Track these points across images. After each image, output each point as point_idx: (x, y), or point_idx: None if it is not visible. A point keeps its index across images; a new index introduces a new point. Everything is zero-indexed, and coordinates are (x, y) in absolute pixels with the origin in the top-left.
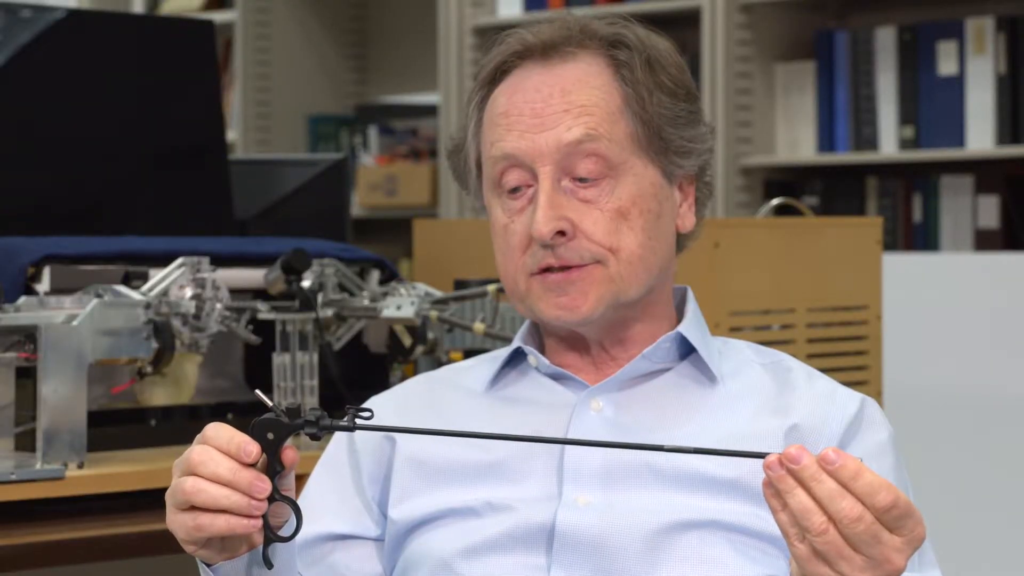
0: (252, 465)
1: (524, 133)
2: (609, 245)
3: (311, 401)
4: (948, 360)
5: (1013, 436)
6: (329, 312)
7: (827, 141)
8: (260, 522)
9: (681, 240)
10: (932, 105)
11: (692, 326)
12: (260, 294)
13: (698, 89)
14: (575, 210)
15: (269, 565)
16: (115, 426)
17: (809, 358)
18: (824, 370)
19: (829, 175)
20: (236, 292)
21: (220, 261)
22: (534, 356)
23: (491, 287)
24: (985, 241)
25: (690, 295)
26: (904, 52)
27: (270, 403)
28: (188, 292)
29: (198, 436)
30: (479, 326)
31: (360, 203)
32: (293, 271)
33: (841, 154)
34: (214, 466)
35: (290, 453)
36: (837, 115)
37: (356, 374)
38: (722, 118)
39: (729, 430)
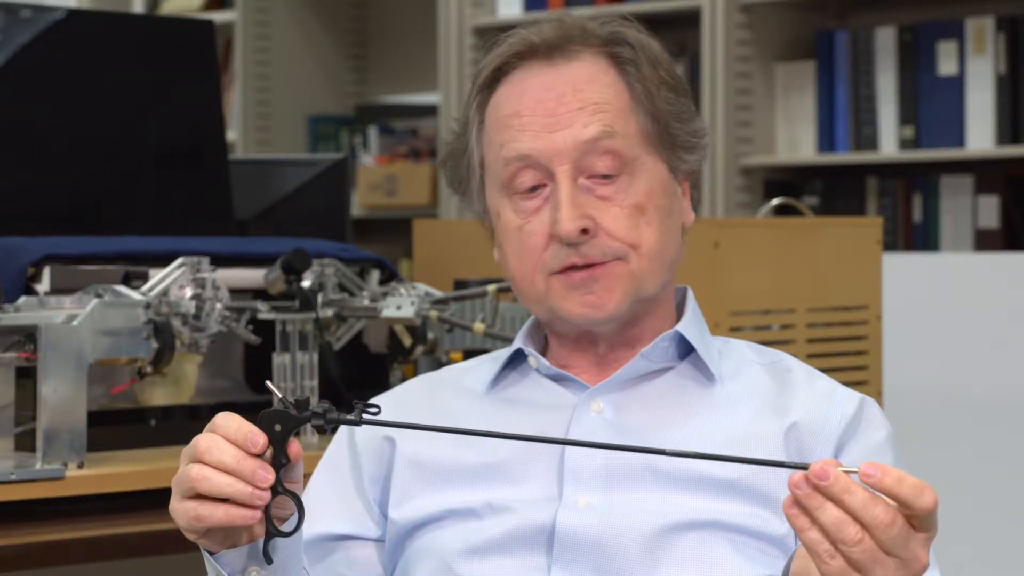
0: (259, 456)
1: (539, 133)
2: (630, 241)
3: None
4: (948, 360)
5: (1013, 436)
6: (329, 312)
7: (827, 141)
8: (259, 514)
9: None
10: (932, 105)
11: (691, 325)
12: (260, 294)
13: (698, 89)
14: (595, 207)
15: (269, 560)
16: (115, 426)
17: (809, 358)
18: (824, 370)
19: (829, 175)
20: (236, 292)
21: (220, 261)
22: (534, 357)
23: (491, 287)
24: (985, 241)
25: (690, 295)
26: (904, 52)
27: (279, 395)
28: (188, 292)
29: (208, 424)
30: (479, 326)
31: (360, 203)
32: (293, 271)
33: (841, 154)
34: (219, 454)
35: (295, 446)
36: (837, 115)
37: (356, 374)
38: (722, 118)
39: (729, 431)
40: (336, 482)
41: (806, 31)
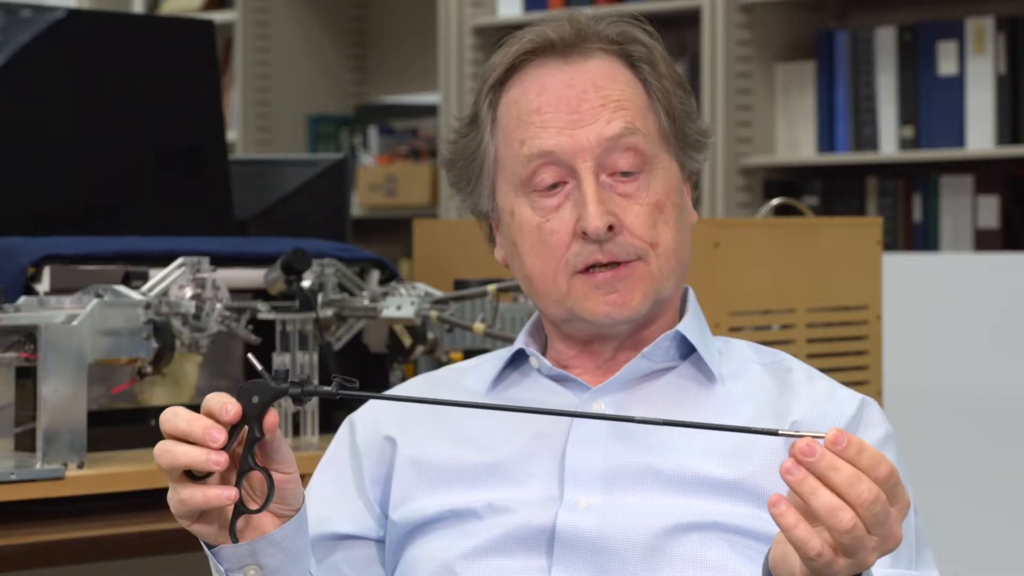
0: (232, 427)
1: (563, 129)
2: (650, 240)
3: (311, 402)
4: (948, 360)
5: (1013, 436)
6: (329, 312)
7: (827, 141)
8: (234, 492)
9: None
10: (932, 105)
11: (692, 325)
12: (260, 294)
13: (698, 89)
14: (617, 205)
15: (234, 539)
16: (115, 426)
17: (809, 358)
18: (824, 370)
19: (829, 175)
20: (236, 292)
21: (220, 261)
22: (536, 358)
23: (491, 287)
24: (985, 241)
25: (691, 295)
26: (904, 52)
27: (259, 366)
28: (188, 292)
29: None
30: (479, 326)
31: (360, 203)
32: (293, 271)
33: (841, 154)
34: (175, 420)
35: (271, 416)
36: (837, 115)
37: (356, 374)
38: (722, 118)
39: (729, 435)
40: (337, 482)
41: (806, 31)
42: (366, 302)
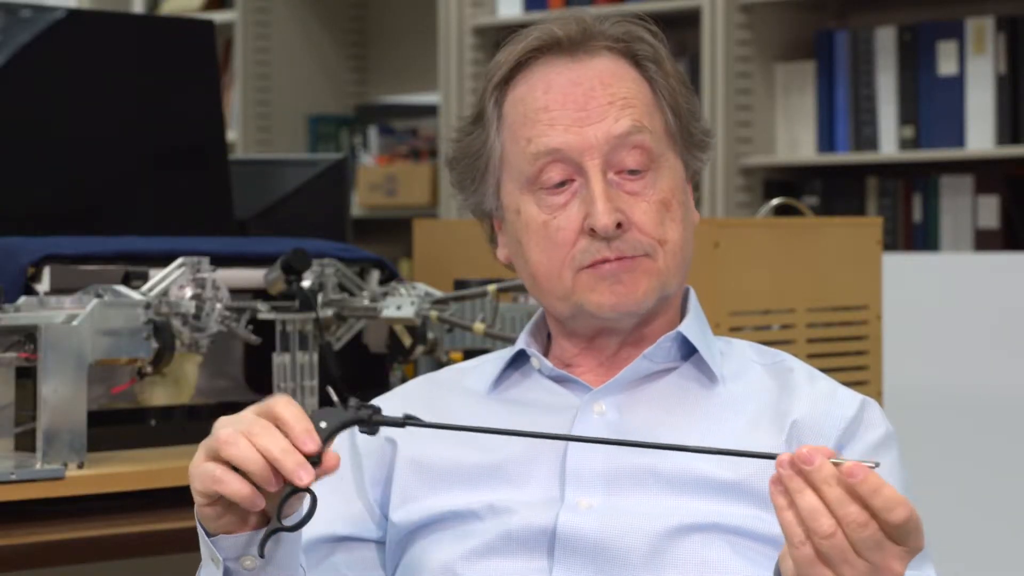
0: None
1: (570, 127)
2: (658, 237)
3: (311, 402)
4: (948, 360)
5: (1013, 436)
6: (329, 312)
7: (827, 141)
8: (263, 503)
9: None
10: (932, 105)
11: (693, 326)
12: (260, 294)
13: (698, 89)
14: (625, 202)
15: (261, 553)
16: (115, 426)
17: (809, 358)
18: (824, 370)
19: (829, 175)
20: (236, 292)
21: (220, 261)
22: (537, 359)
23: (491, 287)
24: (985, 241)
25: (692, 295)
26: (904, 52)
27: (335, 397)
28: (188, 292)
29: (266, 403)
30: (479, 326)
31: (360, 203)
32: (293, 271)
33: (841, 154)
34: (267, 439)
35: (333, 460)
36: (837, 115)
37: (356, 374)
38: (722, 118)
39: (731, 433)
40: (337, 483)
41: (806, 31)
42: (366, 302)
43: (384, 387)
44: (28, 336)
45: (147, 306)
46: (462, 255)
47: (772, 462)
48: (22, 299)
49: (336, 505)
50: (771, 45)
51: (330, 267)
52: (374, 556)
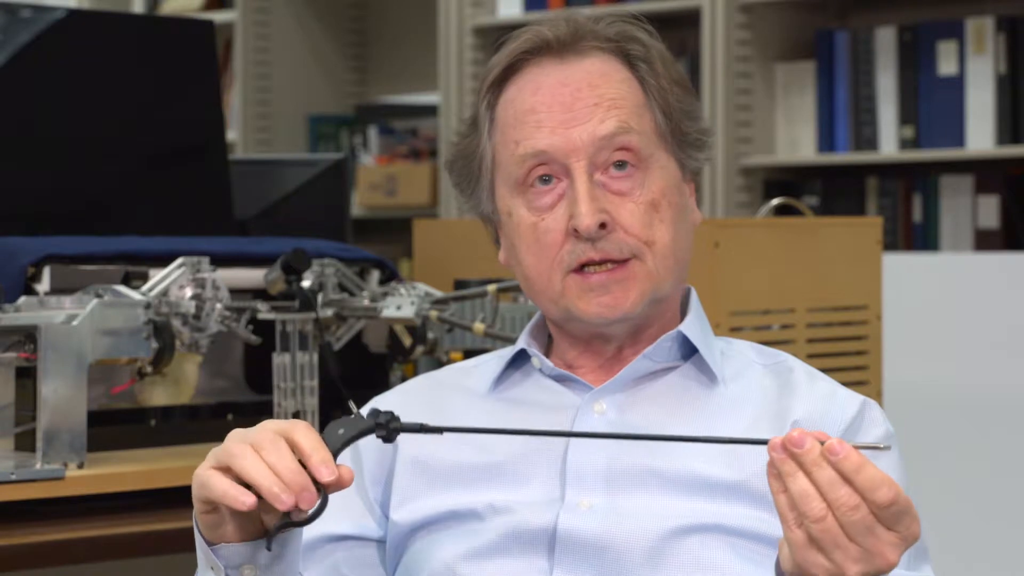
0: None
1: (556, 129)
2: (645, 238)
3: (311, 402)
4: (948, 360)
5: (1013, 436)
6: (329, 312)
7: (827, 141)
8: (253, 500)
9: None
10: (932, 105)
11: (694, 325)
12: (260, 294)
13: (698, 89)
14: (611, 203)
15: (269, 547)
16: (115, 426)
17: (809, 358)
18: (824, 370)
19: (829, 175)
20: (236, 292)
21: (220, 261)
22: (537, 358)
23: (491, 287)
24: (985, 241)
25: (693, 295)
26: (904, 52)
27: (355, 408)
28: (188, 292)
29: (289, 423)
30: (479, 326)
31: (360, 203)
32: (293, 271)
33: (841, 154)
34: (278, 458)
35: (346, 473)
36: (837, 115)
37: (356, 374)
38: (722, 118)
39: (731, 433)
40: None
41: (806, 31)
42: (366, 302)
43: (384, 387)
44: (28, 336)
45: (147, 306)
46: (462, 255)
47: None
48: (22, 299)
49: (337, 504)
50: (771, 45)
51: (330, 267)
52: (374, 555)
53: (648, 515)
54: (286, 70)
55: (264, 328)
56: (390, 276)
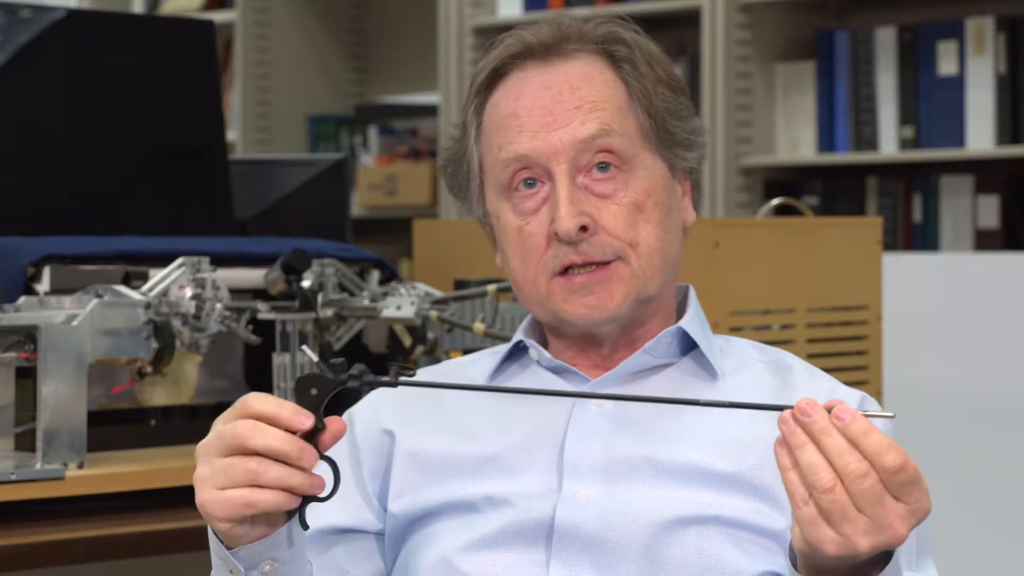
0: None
1: (537, 133)
2: (629, 239)
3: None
4: (948, 360)
5: (1013, 436)
6: (329, 312)
7: (827, 141)
8: (297, 501)
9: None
10: (932, 105)
11: (693, 322)
12: (260, 294)
13: (698, 89)
14: (593, 205)
15: (305, 526)
16: (115, 426)
17: (809, 358)
18: (824, 370)
19: (829, 175)
20: (236, 292)
21: (220, 261)
22: (535, 350)
23: (491, 287)
24: (985, 241)
25: (691, 293)
26: (904, 52)
27: (315, 358)
28: (188, 292)
29: (240, 406)
30: (479, 326)
31: (360, 203)
32: (293, 271)
33: (841, 154)
34: (265, 439)
35: (337, 423)
36: (837, 115)
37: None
38: (722, 118)
39: (729, 427)
40: None
41: (806, 31)
42: (366, 302)
43: None
44: (28, 336)
45: (147, 306)
46: (462, 255)
47: (771, 457)
48: (22, 299)
49: (336, 497)
50: (771, 45)
51: (330, 267)
52: (374, 548)
53: (646, 506)
54: (286, 70)
55: (264, 328)
56: (390, 276)
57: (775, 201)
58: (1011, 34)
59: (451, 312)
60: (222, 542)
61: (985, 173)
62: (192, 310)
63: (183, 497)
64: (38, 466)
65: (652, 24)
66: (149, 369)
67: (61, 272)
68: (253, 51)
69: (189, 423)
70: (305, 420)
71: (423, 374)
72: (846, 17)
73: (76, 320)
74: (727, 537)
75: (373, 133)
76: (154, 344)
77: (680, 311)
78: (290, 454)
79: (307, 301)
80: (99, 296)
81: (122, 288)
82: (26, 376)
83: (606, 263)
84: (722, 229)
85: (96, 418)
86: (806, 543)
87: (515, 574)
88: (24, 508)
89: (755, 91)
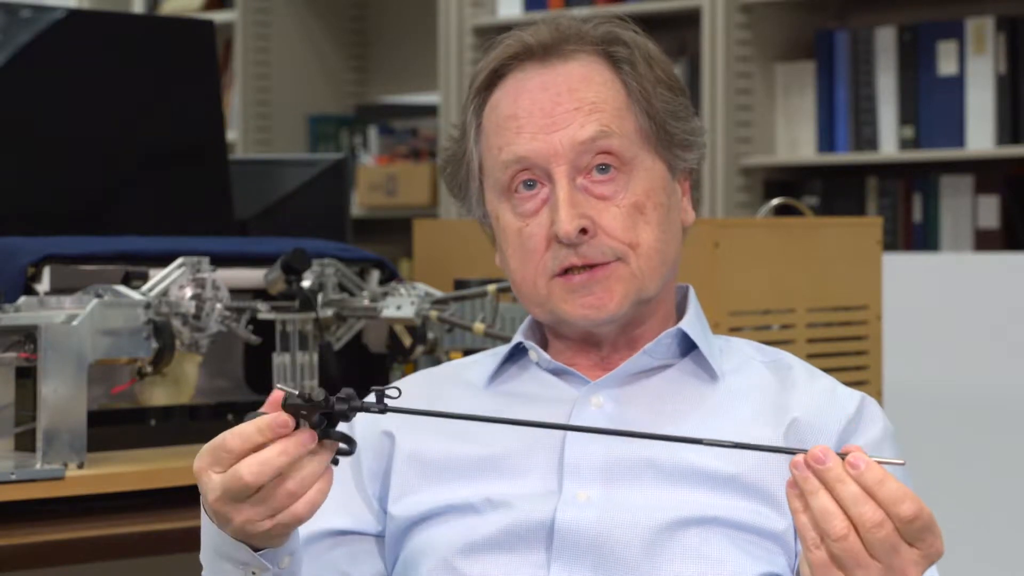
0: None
1: (536, 134)
2: (629, 241)
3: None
4: (948, 360)
5: (1013, 436)
6: (329, 312)
7: (827, 141)
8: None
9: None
10: (932, 105)
11: (694, 323)
12: (260, 294)
13: (698, 89)
14: (593, 207)
15: (353, 444)
16: (115, 426)
17: (809, 358)
18: (824, 370)
19: (829, 175)
20: (236, 292)
21: (220, 261)
22: (535, 351)
23: (491, 287)
24: (985, 241)
25: (691, 293)
26: (904, 52)
27: (295, 392)
28: (188, 292)
29: (221, 455)
30: (479, 326)
31: (360, 203)
32: (293, 271)
33: (841, 154)
34: (242, 443)
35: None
36: (837, 115)
37: (356, 374)
38: (722, 118)
39: (730, 428)
40: (336, 478)
41: (806, 31)
42: (366, 302)
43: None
44: (28, 336)
45: (147, 306)
46: (462, 255)
47: (771, 458)
48: (22, 299)
49: (335, 500)
50: (771, 45)
51: (330, 267)
52: (374, 550)
53: (645, 507)
54: (286, 70)
55: (264, 328)
56: (390, 276)
57: (775, 201)
58: (1011, 34)
59: (451, 312)
60: (239, 545)
61: (985, 173)
62: (192, 310)
63: (183, 497)
64: (38, 466)
65: (652, 24)
66: (149, 369)
67: (61, 272)
68: (253, 51)
69: (189, 423)
70: (285, 420)
71: (421, 373)
72: (846, 17)
73: (76, 320)
74: (727, 538)
75: (373, 133)
76: (154, 344)
77: (680, 311)
78: (301, 453)
79: (307, 301)
80: (99, 296)
81: (122, 288)
82: (26, 376)
83: (605, 263)
84: (722, 229)
85: (96, 418)
86: None
87: None
88: (24, 508)
89: (755, 91)
